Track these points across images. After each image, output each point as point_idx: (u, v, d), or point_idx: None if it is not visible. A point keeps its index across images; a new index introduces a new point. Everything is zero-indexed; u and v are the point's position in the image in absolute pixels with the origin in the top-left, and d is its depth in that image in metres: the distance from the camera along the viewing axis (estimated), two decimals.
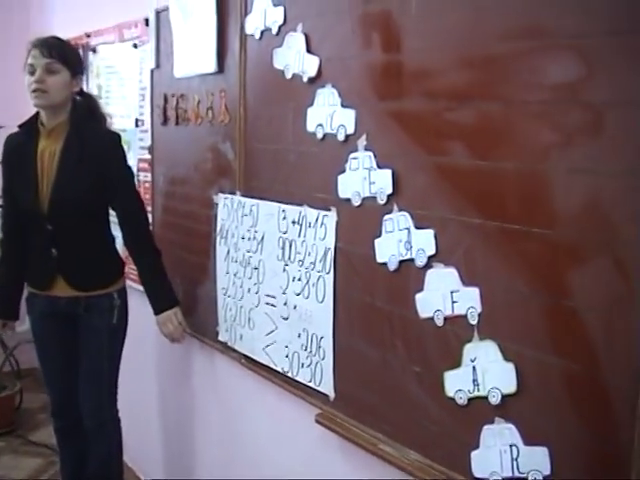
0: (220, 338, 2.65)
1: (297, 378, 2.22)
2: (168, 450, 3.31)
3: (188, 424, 3.06)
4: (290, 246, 2.22)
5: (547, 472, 1.48)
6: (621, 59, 1.32)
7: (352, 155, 1.94)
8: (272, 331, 2.34)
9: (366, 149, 1.90)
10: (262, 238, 2.37)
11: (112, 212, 2.77)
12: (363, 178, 1.91)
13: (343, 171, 1.98)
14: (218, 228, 2.61)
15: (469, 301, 1.64)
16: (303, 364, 2.19)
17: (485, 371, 1.62)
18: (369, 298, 1.93)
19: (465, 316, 1.65)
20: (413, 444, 1.82)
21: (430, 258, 1.73)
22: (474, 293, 1.63)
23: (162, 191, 3.05)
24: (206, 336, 2.75)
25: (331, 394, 2.09)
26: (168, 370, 3.25)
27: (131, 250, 2.74)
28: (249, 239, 2.43)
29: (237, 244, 2.50)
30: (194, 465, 3.05)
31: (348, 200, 1.97)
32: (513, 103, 1.51)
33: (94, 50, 3.57)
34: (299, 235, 2.18)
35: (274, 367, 2.33)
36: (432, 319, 1.73)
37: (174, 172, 2.95)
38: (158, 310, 2.72)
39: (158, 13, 2.91)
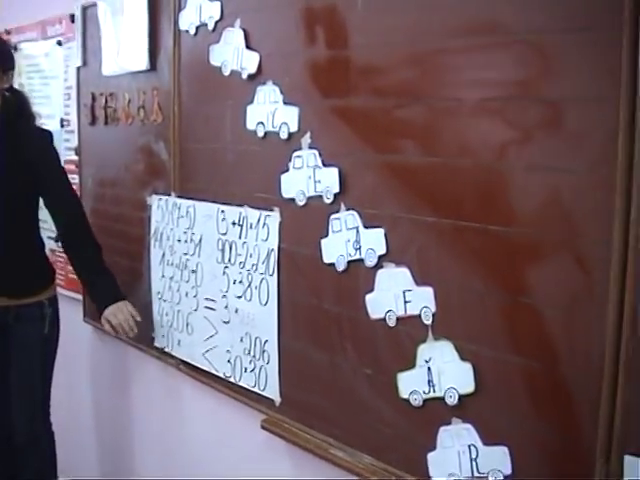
0: (156, 344, 2.56)
1: (240, 383, 2.16)
2: (105, 463, 3.18)
3: (126, 435, 2.95)
4: (230, 248, 2.16)
5: (508, 471, 1.47)
6: (579, 55, 1.31)
7: (296, 154, 1.89)
8: (212, 335, 2.27)
9: (310, 147, 1.85)
10: (200, 240, 2.29)
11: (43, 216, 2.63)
12: (308, 177, 1.86)
13: (286, 170, 1.93)
14: (152, 231, 2.52)
15: (423, 301, 1.61)
16: (246, 369, 2.13)
17: (441, 372, 1.59)
18: (316, 300, 1.88)
19: (419, 316, 1.62)
20: (366, 448, 1.79)
21: (381, 258, 1.69)
22: (428, 293, 1.60)
23: (91, 193, 2.93)
24: (141, 342, 2.66)
25: (277, 399, 2.04)
26: (102, 379, 3.12)
27: (71, 246, 2.55)
28: (186, 241, 2.36)
29: (173, 247, 2.42)
30: (133, 477, 2.94)
31: (292, 200, 1.92)
32: (466, 100, 1.49)
33: (15, 48, 3.39)
34: (240, 236, 2.12)
35: (215, 372, 2.27)
36: (384, 320, 1.70)
37: (103, 173, 2.84)
38: (105, 304, 2.50)
39: (85, 9, 2.80)
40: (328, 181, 1.80)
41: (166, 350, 2.51)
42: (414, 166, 1.61)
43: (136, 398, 2.88)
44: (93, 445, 3.23)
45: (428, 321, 1.60)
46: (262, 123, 2.00)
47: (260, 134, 2.01)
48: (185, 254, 2.36)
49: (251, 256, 2.08)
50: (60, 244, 2.74)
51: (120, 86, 2.65)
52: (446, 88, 1.53)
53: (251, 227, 2.07)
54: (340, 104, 1.77)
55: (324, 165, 1.81)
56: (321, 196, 1.83)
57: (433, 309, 1.59)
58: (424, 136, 1.58)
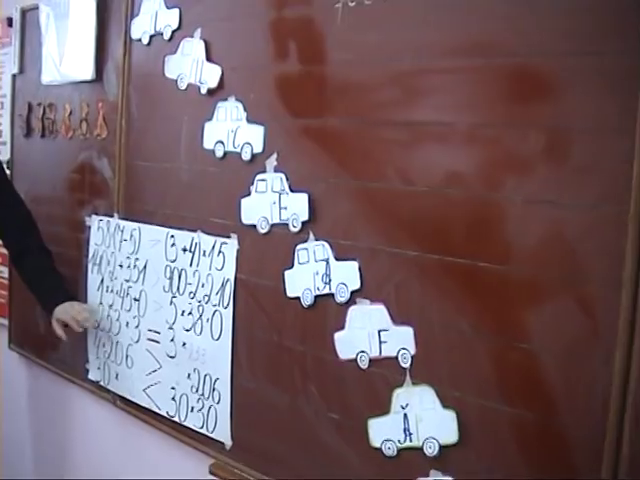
0: (91, 377, 2.36)
1: (186, 423, 1.99)
2: None
3: (58, 471, 2.71)
4: (179, 276, 1.99)
5: None
6: (587, 81, 1.21)
7: (259, 177, 1.75)
8: (155, 370, 2.09)
9: (276, 170, 1.71)
10: (145, 266, 2.12)
11: None
12: (272, 202, 1.72)
13: (247, 194, 1.78)
14: (90, 254, 2.33)
15: (400, 342, 1.48)
16: (193, 408, 1.96)
17: (419, 419, 1.46)
18: (276, 336, 1.73)
19: (395, 358, 1.49)
20: None
21: (353, 293, 1.56)
22: (406, 333, 1.47)
23: None
24: (73, 374, 2.45)
25: (227, 442, 1.87)
26: (31, 411, 2.88)
27: (21, 251, 2.32)
28: (128, 267, 2.18)
29: (113, 272, 2.23)
30: None
31: (253, 226, 1.77)
32: (456, 124, 1.37)
33: None
34: (191, 264, 1.96)
35: (157, 410, 2.08)
36: (355, 361, 1.56)
37: (38, 190, 2.63)
38: (56, 302, 2.26)
39: (24, 12, 2.61)
40: (296, 208, 1.66)
41: (101, 384, 2.31)
42: (395, 194, 1.48)
43: (68, 433, 2.65)
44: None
45: (406, 364, 1.47)
46: (222, 142, 1.85)
47: (219, 154, 1.86)
48: (127, 280, 2.18)
49: (203, 286, 1.92)
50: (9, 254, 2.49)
51: (61, 96, 2.48)
52: (433, 110, 1.42)
53: (204, 254, 1.91)
54: (313, 124, 1.64)
55: (291, 190, 1.68)
56: (287, 224, 1.69)
57: (412, 351, 1.46)
58: (407, 162, 1.46)
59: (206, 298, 1.90)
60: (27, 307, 2.68)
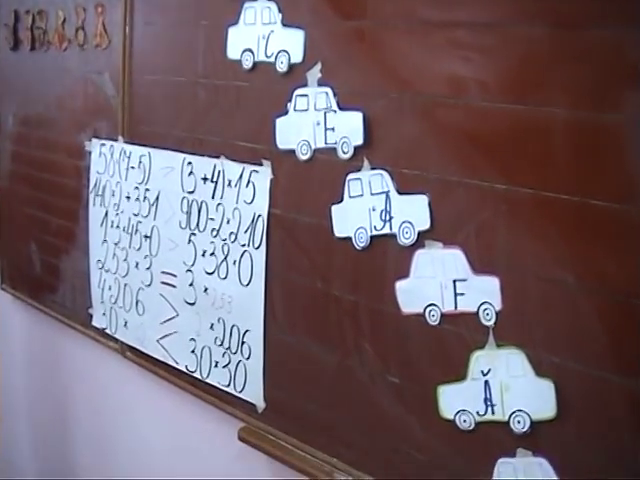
0: (95, 323, 2.09)
1: (209, 380, 1.72)
2: (39, 461, 2.69)
3: (60, 430, 2.48)
4: (199, 210, 1.71)
5: None
6: None
7: (299, 92, 1.45)
8: (170, 318, 1.82)
9: (321, 84, 1.41)
10: (157, 198, 1.83)
11: None
12: (315, 123, 1.42)
13: (284, 113, 1.48)
14: (92, 184, 2.03)
15: (482, 294, 1.21)
16: (217, 363, 1.70)
17: (505, 388, 1.20)
18: (321, 284, 1.46)
19: (475, 314, 1.22)
20: (387, 475, 1.39)
21: (421, 234, 1.27)
22: (490, 284, 1.20)
23: (11, 134, 2.42)
24: (74, 320, 2.18)
25: (259, 404, 1.62)
26: (24, 364, 2.62)
27: None
28: (137, 199, 1.88)
29: (119, 205, 1.95)
30: None
31: (291, 152, 1.48)
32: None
33: None
34: (213, 196, 1.67)
35: (174, 364, 1.82)
36: (422, 316, 1.29)
37: (28, 111, 2.33)
38: None
39: None
40: (346, 129, 1.37)
41: (107, 332, 2.04)
42: (477, 113, 1.19)
43: (70, 385, 2.40)
44: (25, 438, 2.72)
45: (489, 321, 1.20)
46: (250, 50, 1.54)
47: (247, 65, 1.55)
48: (136, 215, 1.89)
49: (228, 222, 1.63)
50: None
51: (52, 2, 2.16)
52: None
53: (229, 185, 1.62)
54: (367, 26, 1.33)
55: (340, 108, 1.37)
56: (334, 149, 1.39)
57: (497, 306, 1.19)
58: (494, 73, 1.16)
59: (232, 236, 1.62)
60: (20, 243, 2.41)
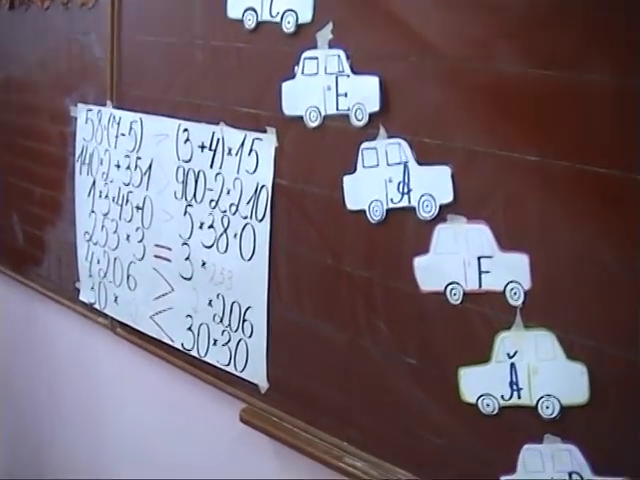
0: (82, 298, 1.99)
1: (207, 359, 1.64)
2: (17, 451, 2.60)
3: (45, 413, 2.38)
4: (196, 180, 1.61)
5: None
6: None
7: (307, 54, 1.36)
8: (165, 294, 1.73)
9: (332, 46, 1.32)
10: (149, 167, 1.73)
11: None
12: (326, 88, 1.33)
13: (291, 77, 1.39)
14: (78, 151, 1.93)
15: (509, 273, 1.13)
16: (216, 341, 1.62)
17: (533, 372, 1.13)
18: (331, 259, 1.38)
19: (502, 293, 1.14)
20: (401, 460, 1.33)
21: (443, 208, 1.19)
22: (519, 261, 1.12)
23: None
24: (60, 294, 2.09)
25: (262, 384, 1.54)
26: (7, 341, 2.51)
27: None
28: (128, 168, 1.78)
29: (108, 174, 1.84)
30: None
31: (298, 118, 1.39)
32: None
33: None
34: (211, 165, 1.58)
35: (169, 342, 1.73)
36: (442, 294, 1.21)
37: (9, 74, 2.22)
38: None
39: None
40: (360, 95, 1.28)
41: (96, 307, 1.94)
42: (509, 78, 1.10)
43: (57, 363, 2.30)
44: (8, 421, 2.62)
45: (517, 301, 1.13)
46: (253, 9, 1.44)
47: (249, 25, 1.45)
48: (126, 184, 1.79)
49: (229, 193, 1.54)
50: None
51: None
52: None
53: (230, 153, 1.53)
54: None
55: (354, 72, 1.28)
56: (347, 116, 1.30)
57: (526, 285, 1.12)
58: (530, 34, 1.07)
59: (233, 208, 1.53)
60: (1, 214, 2.29)
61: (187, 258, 1.65)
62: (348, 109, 1.30)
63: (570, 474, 1.11)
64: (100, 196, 1.88)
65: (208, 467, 1.74)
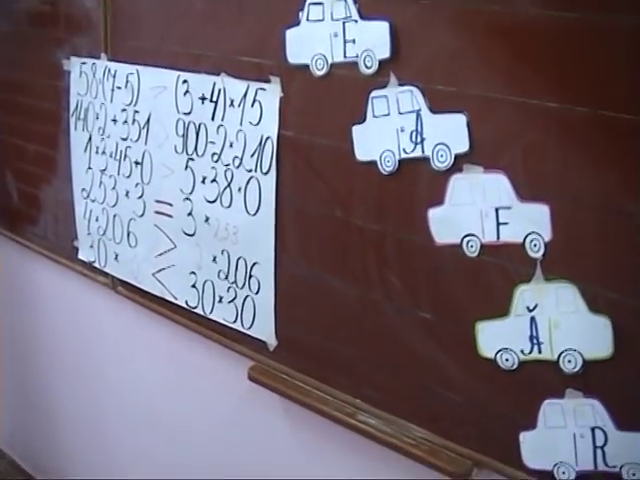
0: (81, 256, 1.95)
1: (212, 317, 1.61)
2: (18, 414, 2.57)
3: (45, 375, 2.34)
4: (197, 133, 1.56)
5: None
6: None
7: None
8: (167, 250, 1.69)
9: None
10: (147, 121, 1.67)
11: None
12: (332, 34, 1.27)
13: (295, 24, 1.33)
14: (72, 106, 1.86)
15: (529, 223, 1.10)
16: (222, 298, 1.58)
17: (554, 325, 1.11)
18: (341, 212, 1.34)
19: (521, 245, 1.11)
20: (417, 417, 1.31)
21: (458, 158, 1.15)
22: (539, 212, 1.09)
23: None
24: (58, 253, 2.04)
25: (271, 341, 1.51)
26: (5, 302, 2.46)
27: None
28: (125, 122, 1.72)
29: (104, 129, 1.78)
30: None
31: (304, 67, 1.33)
32: None
33: None
34: (213, 117, 1.52)
35: (173, 300, 1.70)
36: (459, 247, 1.18)
37: None
38: None
39: None
40: (369, 41, 1.22)
41: (96, 265, 1.90)
42: (526, 21, 1.05)
43: (57, 324, 2.26)
44: (7, 383, 2.59)
45: (537, 253, 1.10)
46: None
47: None
48: (124, 139, 1.73)
49: (232, 146, 1.49)
50: None
51: None
52: None
53: (232, 105, 1.47)
54: None
55: (362, 17, 1.22)
56: (355, 63, 1.25)
57: (547, 237, 1.08)
58: None
59: (237, 161, 1.48)
60: None
61: (189, 214, 1.61)
62: (356, 56, 1.24)
63: (593, 429, 1.10)
64: (97, 152, 1.82)
65: (216, 426, 1.72)
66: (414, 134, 1.19)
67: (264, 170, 1.43)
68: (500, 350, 1.16)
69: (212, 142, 1.53)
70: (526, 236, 1.10)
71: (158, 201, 1.68)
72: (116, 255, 1.84)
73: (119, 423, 2.07)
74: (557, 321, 1.10)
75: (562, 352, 1.10)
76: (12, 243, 2.25)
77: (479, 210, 1.14)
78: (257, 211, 1.46)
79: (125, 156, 1.74)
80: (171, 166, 1.63)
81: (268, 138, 1.41)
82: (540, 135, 1.07)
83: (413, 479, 1.32)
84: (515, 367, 1.15)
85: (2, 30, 2.09)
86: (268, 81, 1.40)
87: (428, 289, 1.24)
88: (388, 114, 1.22)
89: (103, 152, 1.80)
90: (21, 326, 2.41)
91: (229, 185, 1.51)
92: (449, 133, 1.15)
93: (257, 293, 1.50)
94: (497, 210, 1.13)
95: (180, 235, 1.64)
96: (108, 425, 2.12)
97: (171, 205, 1.65)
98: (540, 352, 1.12)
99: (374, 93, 1.23)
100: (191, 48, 1.54)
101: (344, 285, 1.35)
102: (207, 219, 1.57)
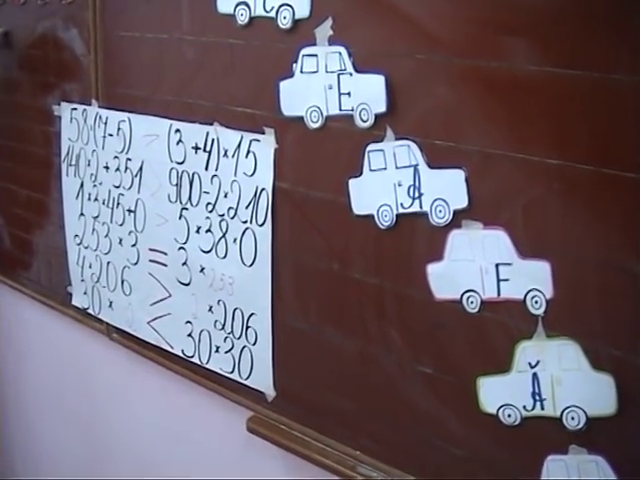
0: (75, 303, 1.93)
1: (209, 366, 1.59)
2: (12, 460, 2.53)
3: (39, 422, 2.31)
4: (191, 183, 1.55)
5: None
6: None
7: (306, 51, 1.29)
8: (162, 299, 1.68)
9: (332, 42, 1.25)
10: (140, 169, 1.66)
11: None
12: (327, 87, 1.27)
13: (289, 75, 1.32)
14: (63, 152, 1.85)
15: (530, 280, 1.09)
16: (218, 348, 1.57)
17: (557, 382, 1.09)
18: (338, 265, 1.32)
19: (522, 302, 1.10)
20: (420, 471, 1.29)
21: (457, 213, 1.14)
22: (540, 269, 1.08)
23: None
24: (52, 298, 2.02)
25: (269, 392, 1.49)
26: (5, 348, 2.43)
27: None
28: (117, 169, 1.71)
29: (96, 176, 1.77)
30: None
31: (299, 119, 1.32)
32: None
33: None
34: (206, 167, 1.51)
35: (169, 349, 1.68)
36: (458, 302, 1.16)
37: None
38: None
39: None
40: (365, 94, 1.22)
41: (90, 312, 1.88)
42: (527, 78, 1.04)
43: (51, 369, 2.23)
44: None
45: (538, 310, 1.08)
46: (245, 4, 1.37)
47: (242, 20, 1.38)
48: (116, 187, 1.72)
49: (226, 196, 1.48)
50: None
51: None
52: None
53: (226, 155, 1.47)
54: None
55: (357, 70, 1.22)
56: (351, 116, 1.24)
57: (548, 293, 1.07)
58: (549, 30, 1.01)
59: (231, 212, 1.47)
60: None
61: (184, 263, 1.59)
62: (352, 109, 1.24)
63: None
64: (89, 199, 1.80)
65: (215, 477, 1.70)
66: (412, 189, 1.19)
67: (259, 222, 1.42)
68: (502, 406, 1.15)
69: (206, 192, 1.52)
70: (527, 293, 1.09)
71: (152, 249, 1.67)
72: (110, 302, 1.82)
73: (114, 473, 2.04)
74: (559, 378, 1.09)
75: (565, 409, 1.08)
76: (6, 287, 2.23)
77: (479, 266, 1.13)
78: (253, 262, 1.45)
79: (118, 204, 1.73)
80: (165, 215, 1.61)
81: (263, 190, 1.40)
82: (541, 192, 1.06)
83: None
84: (518, 423, 1.13)
85: None
86: (262, 132, 1.39)
87: (428, 344, 1.23)
88: (385, 168, 1.22)
89: (95, 199, 1.79)
90: (14, 371, 2.38)
91: (224, 236, 1.49)
92: (447, 188, 1.14)
93: (254, 344, 1.49)
94: (497, 266, 1.12)
95: (175, 284, 1.63)
96: (102, 474, 2.09)
97: (165, 254, 1.63)
98: (543, 408, 1.11)
99: (370, 147, 1.23)
100: (183, 97, 1.53)
101: (343, 338, 1.34)
102: (202, 269, 1.56)
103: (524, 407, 1.12)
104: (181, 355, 1.65)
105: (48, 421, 2.29)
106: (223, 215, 1.49)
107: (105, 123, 1.72)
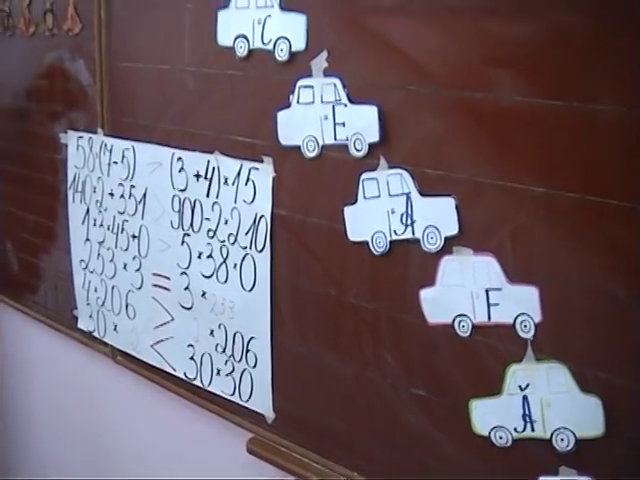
0: (81, 326, 1.97)
1: (211, 389, 1.62)
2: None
3: (44, 445, 2.33)
4: (192, 209, 1.59)
5: None
6: None
7: (302, 82, 1.33)
8: (165, 323, 1.71)
9: (327, 74, 1.29)
10: (144, 196, 1.70)
11: None
12: (323, 117, 1.31)
13: (286, 106, 1.36)
14: (70, 179, 1.89)
15: (519, 305, 1.12)
16: (219, 371, 1.60)
17: (546, 404, 1.12)
18: (335, 290, 1.36)
19: (511, 326, 1.13)
20: None
21: (448, 240, 1.17)
22: (528, 294, 1.11)
23: None
24: (58, 321, 2.06)
25: (269, 414, 1.52)
26: (12, 369, 2.47)
27: None
28: (122, 196, 1.75)
29: (102, 202, 1.81)
30: None
31: (295, 148, 1.36)
32: None
33: None
34: (207, 194, 1.55)
35: (171, 371, 1.71)
36: (451, 327, 1.19)
37: None
38: None
39: None
40: (359, 125, 1.25)
41: (95, 335, 1.92)
42: (513, 109, 1.08)
43: (56, 391, 2.26)
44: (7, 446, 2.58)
45: (527, 334, 1.11)
46: (244, 37, 1.41)
47: (241, 53, 1.43)
48: (121, 213, 1.76)
49: (226, 223, 1.52)
50: None
51: None
52: None
53: (226, 183, 1.51)
54: (380, 8, 1.21)
55: (352, 101, 1.26)
56: (345, 145, 1.28)
57: (537, 318, 1.10)
58: (534, 63, 1.05)
59: (232, 238, 1.51)
60: None
61: (186, 288, 1.63)
62: (347, 139, 1.27)
63: None
64: (95, 224, 1.85)
65: None
66: (404, 216, 1.22)
67: (259, 248, 1.46)
68: (494, 428, 1.17)
69: (207, 218, 1.55)
70: (516, 317, 1.12)
71: (155, 274, 1.70)
72: (115, 326, 1.85)
73: None
74: (549, 400, 1.11)
75: (555, 431, 1.11)
76: (12, 310, 2.27)
77: (470, 291, 1.16)
78: (253, 287, 1.49)
79: (122, 229, 1.77)
80: (168, 241, 1.65)
81: (262, 217, 1.44)
82: (528, 219, 1.09)
83: None
84: (509, 444, 1.16)
85: (3, 104, 2.13)
86: (261, 161, 1.43)
87: (422, 367, 1.25)
88: (379, 196, 1.25)
89: (101, 225, 1.83)
90: (21, 392, 2.42)
91: (225, 261, 1.53)
92: (439, 216, 1.18)
93: (254, 367, 1.52)
94: (487, 291, 1.15)
95: (178, 308, 1.66)
96: None
97: (168, 279, 1.67)
98: (533, 430, 1.13)
99: (364, 175, 1.26)
100: (185, 126, 1.58)
101: (339, 362, 1.37)
102: (204, 294, 1.59)
103: (515, 429, 1.15)
104: (183, 377, 1.68)
105: (54, 441, 2.31)
106: (224, 241, 1.52)
107: (110, 151, 1.76)
